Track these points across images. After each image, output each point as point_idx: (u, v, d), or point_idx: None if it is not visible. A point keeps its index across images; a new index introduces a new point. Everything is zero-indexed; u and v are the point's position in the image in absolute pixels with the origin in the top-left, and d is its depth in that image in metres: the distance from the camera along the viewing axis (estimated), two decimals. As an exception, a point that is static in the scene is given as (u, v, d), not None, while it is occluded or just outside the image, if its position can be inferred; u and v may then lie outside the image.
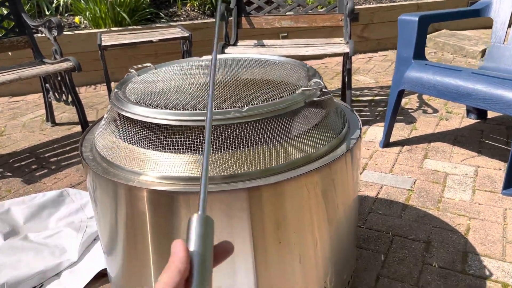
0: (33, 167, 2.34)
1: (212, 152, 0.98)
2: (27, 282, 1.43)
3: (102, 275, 1.48)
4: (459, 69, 2.00)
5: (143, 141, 1.04)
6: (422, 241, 1.57)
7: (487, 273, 1.40)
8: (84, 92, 3.62)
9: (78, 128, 2.83)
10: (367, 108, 2.89)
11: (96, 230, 1.66)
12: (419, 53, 2.18)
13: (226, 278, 1.02)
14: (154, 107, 1.03)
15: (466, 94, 1.90)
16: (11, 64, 2.68)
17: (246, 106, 0.99)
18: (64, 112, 3.18)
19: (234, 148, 0.98)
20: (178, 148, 1.00)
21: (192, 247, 0.40)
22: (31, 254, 1.55)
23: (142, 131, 1.05)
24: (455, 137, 2.38)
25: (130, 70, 1.32)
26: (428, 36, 4.61)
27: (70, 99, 2.56)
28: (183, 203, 0.96)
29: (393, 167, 2.10)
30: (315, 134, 1.06)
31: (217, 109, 1.00)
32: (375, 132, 2.51)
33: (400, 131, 2.49)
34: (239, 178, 0.97)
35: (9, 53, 3.48)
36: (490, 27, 4.88)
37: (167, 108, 1.02)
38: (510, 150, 1.79)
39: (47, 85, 2.73)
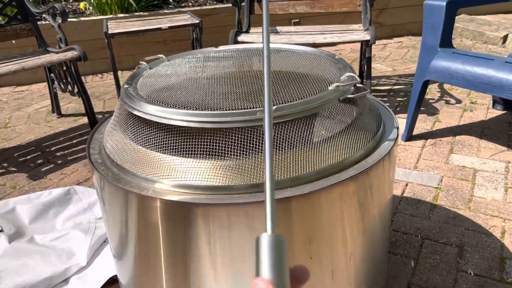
0: (39, 161, 2.24)
1: (235, 158, 0.87)
2: (33, 289, 1.34)
3: (112, 281, 1.39)
4: (491, 58, 1.86)
5: (157, 144, 0.93)
6: (454, 245, 1.46)
7: (529, 282, 1.29)
8: (90, 82, 3.51)
9: (84, 119, 2.73)
10: (385, 99, 2.76)
11: (104, 232, 1.57)
12: (446, 41, 2.04)
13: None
14: (170, 106, 0.91)
15: (500, 85, 1.77)
16: (14, 53, 2.57)
17: (274, 105, 0.88)
18: (70, 102, 3.08)
19: (260, 153, 0.87)
20: (197, 153, 0.89)
21: (267, 275, 0.35)
22: (38, 258, 1.46)
23: (156, 133, 0.94)
24: (481, 130, 2.25)
25: (141, 62, 1.20)
26: (445, 21, 4.42)
27: (75, 89, 2.45)
28: (201, 215, 0.85)
29: (417, 162, 1.98)
30: (350, 136, 0.94)
31: (240, 108, 0.88)
32: (396, 124, 2.38)
33: (422, 123, 2.36)
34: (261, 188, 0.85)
35: (13, 41, 3.37)
36: (510, 12, 4.69)
37: (184, 107, 0.90)
38: (547, 146, 1.67)
39: (52, 75, 2.62)
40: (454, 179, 1.84)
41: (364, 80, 2.40)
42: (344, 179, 0.87)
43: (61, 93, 3.25)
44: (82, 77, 2.48)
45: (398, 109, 2.58)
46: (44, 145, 2.42)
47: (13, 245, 1.51)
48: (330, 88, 0.95)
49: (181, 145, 0.90)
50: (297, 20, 4.00)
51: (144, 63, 1.20)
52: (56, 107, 2.82)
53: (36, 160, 2.26)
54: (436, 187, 1.79)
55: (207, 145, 0.88)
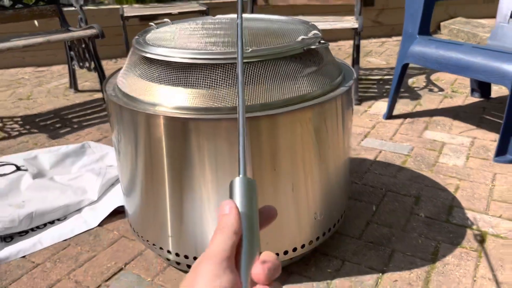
0: (57, 125, 2.52)
1: (220, 87, 1.12)
2: (53, 213, 1.60)
3: (118, 213, 1.64)
4: (460, 43, 2.10)
5: (160, 78, 1.18)
6: (412, 196, 1.69)
7: (469, 223, 1.52)
8: (105, 65, 3.78)
9: (99, 95, 3.00)
10: (375, 86, 2.99)
11: (113, 176, 1.83)
12: (424, 29, 2.28)
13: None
14: (170, 48, 1.17)
15: (466, 66, 2.00)
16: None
17: (250, 48, 1.13)
18: (87, 81, 3.36)
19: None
20: (190, 83, 1.14)
21: (239, 209, 0.39)
22: (57, 192, 1.72)
23: (159, 69, 1.19)
24: (457, 113, 2.48)
25: (150, 24, 1.46)
26: (443, 23, 4.66)
27: (93, 65, 2.72)
28: (194, 128, 1.10)
29: (393, 135, 2.22)
30: (311, 79, 1.19)
31: (224, 50, 1.14)
32: (380, 106, 2.62)
33: (404, 106, 2.60)
34: (241, 110, 1.10)
35: (35, 22, 3.67)
36: (506, 17, 4.89)
37: (181, 49, 1.16)
38: (503, 120, 1.89)
39: (71, 52, 2.90)
40: (424, 149, 2.07)
41: (354, 65, 2.64)
42: (302, 107, 1.12)
43: (79, 71, 3.54)
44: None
45: (384, 94, 2.82)
46: (62, 114, 2.70)
47: (36, 181, 1.78)
48: (297, 39, 1.20)
49: (178, 77, 1.16)
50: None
51: (153, 24, 1.46)
52: (73, 83, 3.10)
53: (55, 125, 2.53)
54: (406, 155, 2.02)
55: (197, 77, 1.13)
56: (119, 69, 1.46)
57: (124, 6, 3.91)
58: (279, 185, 1.17)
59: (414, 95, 2.77)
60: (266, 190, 1.16)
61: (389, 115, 2.45)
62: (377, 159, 1.99)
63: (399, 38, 4.52)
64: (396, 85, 2.37)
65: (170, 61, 1.16)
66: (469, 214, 1.57)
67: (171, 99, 1.14)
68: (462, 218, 1.55)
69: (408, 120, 2.40)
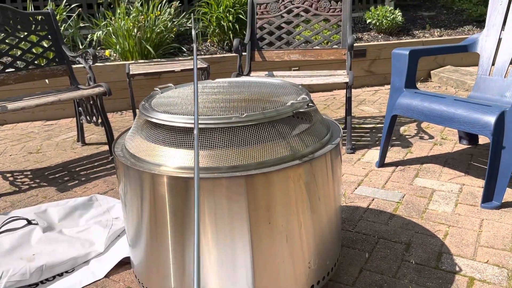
0: (66, 178, 2.64)
1: (218, 148, 1.25)
2: (61, 266, 1.69)
3: (124, 264, 1.73)
4: (443, 96, 2.25)
5: (164, 140, 1.31)
6: (403, 243, 1.78)
7: (457, 269, 1.60)
8: (111, 118, 3.97)
9: (105, 147, 3.15)
10: (368, 134, 3.13)
11: (120, 227, 1.92)
12: (409, 83, 2.44)
13: (226, 253, 1.26)
14: (173, 114, 1.31)
15: (449, 118, 2.14)
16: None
17: (245, 113, 1.26)
18: (93, 134, 3.51)
19: (236, 146, 1.25)
20: (191, 145, 1.27)
21: None
22: (65, 244, 1.81)
23: (164, 132, 1.33)
24: (446, 160, 2.60)
25: (155, 88, 1.61)
26: (433, 71, 4.88)
27: (100, 120, 2.88)
28: (194, 186, 1.22)
29: (385, 183, 2.33)
30: (302, 138, 1.32)
31: (221, 115, 1.27)
32: (373, 154, 2.74)
33: (396, 154, 2.72)
34: (239, 168, 1.23)
35: (46, 81, 3.88)
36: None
37: (183, 115, 1.30)
38: (487, 168, 2.01)
39: (80, 108, 3.07)
40: (414, 196, 2.17)
41: (347, 117, 2.79)
42: (293, 165, 1.24)
43: (86, 124, 3.70)
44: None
45: (377, 142, 2.95)
46: (70, 167, 2.83)
47: (46, 235, 1.87)
48: (287, 104, 1.34)
49: (180, 140, 1.29)
50: (297, 68, 4.48)
51: (157, 89, 1.61)
52: (81, 137, 3.26)
53: (63, 178, 2.65)
54: (398, 202, 2.12)
55: (199, 140, 1.26)
56: (127, 130, 1.60)
57: (129, 62, 4.14)
58: (274, 237, 1.27)
59: (405, 143, 2.90)
60: (262, 242, 1.26)
61: (381, 163, 2.56)
62: (370, 207, 2.08)
63: (392, 86, 4.73)
64: (386, 135, 2.50)
65: (173, 126, 1.29)
66: (458, 260, 1.65)
67: (174, 160, 1.26)
68: (451, 264, 1.63)
69: (399, 167, 2.52)
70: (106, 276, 1.67)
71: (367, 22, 5.30)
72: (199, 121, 1.25)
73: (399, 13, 5.19)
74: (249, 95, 1.48)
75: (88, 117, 3.01)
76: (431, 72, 4.87)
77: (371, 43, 4.82)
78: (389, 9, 5.20)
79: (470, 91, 4.32)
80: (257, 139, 1.26)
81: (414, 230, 1.86)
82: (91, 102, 2.88)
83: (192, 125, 1.26)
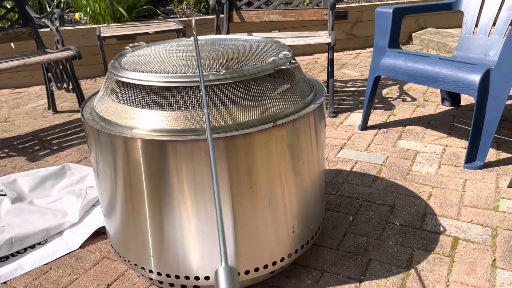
0: (36, 148, 2.51)
1: (196, 109, 1.16)
2: (33, 238, 1.60)
3: (100, 234, 1.65)
4: (427, 56, 2.19)
5: (137, 101, 1.22)
6: (387, 205, 1.75)
7: (442, 229, 1.58)
8: (84, 85, 3.80)
9: (78, 115, 3.01)
10: (350, 98, 3.07)
11: (94, 197, 1.84)
12: (393, 42, 2.37)
13: (207, 220, 1.19)
14: (146, 72, 1.21)
15: (434, 77, 2.09)
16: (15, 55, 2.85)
17: (223, 70, 1.17)
18: (65, 101, 3.35)
19: (214, 106, 1.16)
20: (165, 106, 1.18)
21: None
22: (36, 215, 1.72)
23: (135, 93, 1.23)
24: (428, 121, 2.56)
25: (125, 47, 1.50)
26: (414, 34, 4.81)
27: (71, 86, 2.73)
28: (171, 150, 1.13)
29: (368, 146, 2.29)
30: (284, 97, 1.24)
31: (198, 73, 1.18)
32: (356, 117, 2.69)
33: (378, 117, 2.67)
34: (218, 130, 1.14)
35: (12, 45, 3.66)
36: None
37: (156, 73, 1.19)
38: (470, 129, 1.98)
39: (49, 74, 2.91)
40: (398, 158, 2.14)
41: (329, 79, 2.71)
42: (275, 125, 1.16)
43: (57, 92, 3.53)
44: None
45: (359, 106, 2.90)
46: (40, 135, 2.69)
47: (16, 206, 1.77)
48: (268, 61, 1.25)
49: (153, 101, 1.19)
50: (277, 30, 4.34)
51: (128, 47, 1.50)
52: (52, 105, 3.10)
53: (34, 147, 2.52)
54: (381, 164, 2.09)
55: (173, 100, 1.17)
56: (96, 93, 1.49)
57: (101, 26, 3.93)
58: (256, 202, 1.21)
59: (388, 106, 2.86)
60: (244, 207, 1.20)
61: (364, 126, 2.52)
62: (353, 170, 2.04)
63: (372, 49, 4.66)
64: (369, 97, 2.44)
65: (146, 85, 1.19)
66: (442, 220, 1.63)
67: (148, 122, 1.17)
68: (435, 224, 1.61)
69: (382, 130, 2.48)
70: (81, 247, 1.59)
71: (348, -17, 5.15)
72: (171, 80, 1.16)
73: (381, -26, 5.05)
74: (227, 53, 1.38)
75: (58, 83, 2.85)
76: (413, 34, 4.80)
77: (352, 4, 4.70)
78: (371, -31, 5.05)
79: (451, 53, 4.28)
80: (237, 98, 1.18)
81: (398, 192, 1.84)
82: (61, 67, 2.72)
83: (166, 84, 1.16)
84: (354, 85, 3.35)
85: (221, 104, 1.16)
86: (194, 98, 1.16)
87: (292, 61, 1.30)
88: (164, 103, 1.18)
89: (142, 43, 1.54)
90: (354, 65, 3.96)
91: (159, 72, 1.20)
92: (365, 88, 3.25)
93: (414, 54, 2.24)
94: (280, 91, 1.25)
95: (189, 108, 1.16)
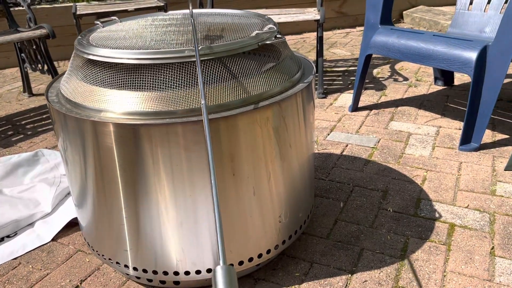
0: (9, 133, 2.37)
1: (172, 89, 1.04)
2: (1, 230, 1.49)
3: (74, 224, 1.55)
4: (421, 32, 2.08)
5: (105, 81, 1.09)
6: (380, 191, 1.66)
7: (437, 215, 1.50)
8: (62, 66, 3.63)
9: (55, 98, 2.86)
10: (340, 78, 2.97)
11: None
12: (385, 19, 2.25)
13: (187, 210, 1.09)
14: (115, 49, 1.08)
15: (428, 55, 1.99)
16: (-14, 34, 2.68)
17: (201, 45, 1.05)
18: (42, 84, 3.19)
19: (191, 85, 1.05)
20: (138, 86, 1.06)
21: None
22: (6, 206, 1.60)
23: (104, 72, 1.10)
24: (421, 102, 2.47)
25: (95, 22, 1.36)
26: (405, 12, 4.69)
27: (45, 67, 2.58)
28: (145, 135, 1.02)
29: (359, 128, 2.19)
30: (269, 76, 1.13)
31: (173, 48, 1.06)
32: (346, 98, 2.59)
33: (369, 97, 2.57)
34: (196, 112, 1.03)
35: (-15, 25, 3.46)
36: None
37: (127, 49, 1.07)
38: (466, 110, 1.89)
39: (22, 55, 2.74)
40: (390, 140, 2.05)
41: (318, 58, 2.60)
42: (259, 107, 1.05)
43: (33, 73, 3.37)
44: (55, 62, 2.61)
45: (349, 86, 2.79)
46: (15, 120, 2.55)
47: (-17, 196, 1.65)
48: (251, 35, 1.13)
49: (124, 80, 1.07)
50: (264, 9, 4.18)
51: (98, 22, 1.36)
52: (27, 87, 2.94)
53: (7, 132, 2.38)
54: (373, 147, 1.99)
55: (146, 79, 1.05)
56: (64, 73, 1.36)
57: (78, 4, 3.74)
58: (240, 190, 1.11)
59: (379, 86, 2.76)
60: (227, 196, 1.10)
61: (355, 107, 2.42)
62: (344, 153, 1.95)
63: (363, 28, 4.53)
64: (360, 76, 2.34)
65: (115, 63, 1.07)
66: (437, 206, 1.55)
67: (119, 104, 1.05)
68: (430, 210, 1.53)
69: (373, 111, 2.38)
70: (54, 239, 1.48)
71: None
72: (144, 56, 1.04)
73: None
74: (206, 27, 1.26)
75: (32, 64, 2.69)
76: (403, 12, 4.68)
77: (342, -19, 4.55)
78: None
79: (443, 31, 4.18)
80: (216, 77, 1.06)
81: (390, 176, 1.75)
82: (34, 47, 2.56)
83: (138, 62, 1.04)
84: (344, 65, 3.24)
85: (199, 83, 1.05)
86: (169, 77, 1.05)
87: (277, 35, 1.18)
88: (137, 83, 1.06)
89: (114, 18, 1.41)
90: (344, 44, 3.84)
91: (130, 48, 1.07)
92: (356, 68, 3.14)
93: (408, 30, 2.13)
94: (265, 69, 1.14)
95: (164, 88, 1.04)
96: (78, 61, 1.18)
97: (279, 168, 1.16)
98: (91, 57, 1.10)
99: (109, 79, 1.09)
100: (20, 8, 3.54)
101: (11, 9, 3.45)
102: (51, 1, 4.01)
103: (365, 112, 2.37)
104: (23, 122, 2.50)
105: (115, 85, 1.08)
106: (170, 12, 1.49)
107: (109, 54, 1.07)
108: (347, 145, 2.02)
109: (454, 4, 4.96)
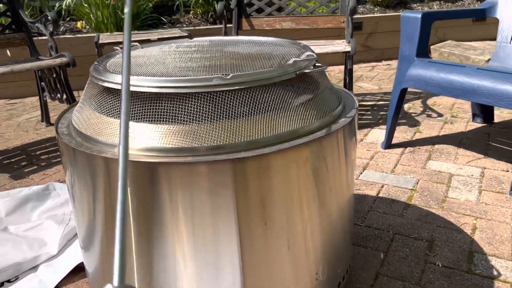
0: (23, 164, 2.26)
1: (196, 122, 0.90)
2: (1, 274, 1.34)
3: (81, 269, 1.39)
4: (463, 66, 1.92)
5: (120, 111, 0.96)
6: (424, 240, 1.46)
7: (495, 273, 1.29)
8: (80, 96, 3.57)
9: (72, 128, 2.77)
10: (369, 112, 2.81)
11: (79, 223, 1.58)
12: (422, 51, 2.11)
13: (207, 265, 0.93)
14: (133, 75, 0.95)
15: (472, 90, 1.82)
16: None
17: (231, 73, 0.92)
18: (61, 113, 3.12)
19: (219, 118, 0.90)
20: (158, 118, 0.92)
21: None
22: (9, 246, 1.46)
23: (120, 102, 0.97)
24: (460, 140, 2.29)
25: (114, 48, 1.25)
26: (432, 46, 4.55)
27: (64, 96, 2.50)
28: (164, 174, 0.87)
29: (395, 167, 2.01)
30: (307, 109, 0.98)
31: (199, 76, 0.92)
32: (377, 134, 2.42)
33: (403, 134, 2.40)
34: (224, 150, 0.88)
35: (8, 52, 3.46)
36: (495, 39, 4.84)
37: (147, 76, 0.94)
38: (519, 148, 1.70)
39: (42, 83, 2.68)
40: (430, 182, 1.86)
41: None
42: (297, 145, 0.90)
43: (53, 103, 3.31)
44: (75, 92, 2.53)
45: (380, 121, 2.63)
46: (29, 150, 2.45)
47: (-14, 233, 1.52)
48: (288, 62, 0.99)
49: (142, 111, 0.94)
50: (288, 42, 4.11)
51: (118, 48, 1.25)
52: (45, 117, 2.87)
53: (20, 163, 2.28)
54: (412, 189, 1.81)
55: (166, 110, 0.91)
56: (77, 102, 1.24)
57: (101, 34, 3.72)
58: (272, 243, 0.94)
59: (412, 122, 2.59)
60: (255, 251, 0.93)
61: (388, 144, 2.24)
62: (380, 195, 1.77)
63: (389, 62, 4.40)
64: (394, 111, 2.18)
65: (133, 91, 0.94)
66: (494, 261, 1.34)
67: (135, 138, 0.91)
68: (486, 267, 1.32)
69: (408, 149, 2.20)
70: (58, 286, 1.33)
71: (363, -6, 4.94)
72: (165, 84, 0.90)
73: (397, -16, 4.84)
74: (236, 53, 1.13)
75: (51, 93, 2.62)
76: (431, 47, 4.55)
77: (367, 15, 4.47)
78: (386, -21, 4.84)
79: (474, 66, 4.02)
80: (248, 109, 0.92)
81: (435, 223, 1.56)
82: (54, 75, 2.49)
83: (159, 90, 0.91)
84: (373, 99, 3.09)
85: (228, 116, 0.90)
86: (194, 108, 0.91)
87: (317, 64, 1.04)
88: (156, 115, 0.92)
89: (136, 44, 1.30)
90: (371, 78, 3.70)
91: (151, 75, 0.94)
92: (385, 102, 2.99)
93: (447, 63, 1.97)
94: (303, 101, 0.99)
95: (187, 121, 0.90)
96: (92, 89, 1.06)
97: (317, 217, 0.99)
98: (106, 84, 0.98)
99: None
100: (44, 37, 3.53)
101: (35, 38, 3.44)
102: (75, 31, 4.01)
103: (399, 150, 2.20)
104: (38, 153, 2.40)
105: (131, 116, 0.95)
106: (195, 39, 1.38)
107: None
108: (382, 186, 1.84)
109: (483, 39, 4.82)
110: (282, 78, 0.95)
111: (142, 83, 0.92)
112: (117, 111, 0.97)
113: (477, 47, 4.36)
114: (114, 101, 0.99)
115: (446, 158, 2.09)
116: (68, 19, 4.18)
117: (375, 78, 3.69)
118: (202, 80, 0.90)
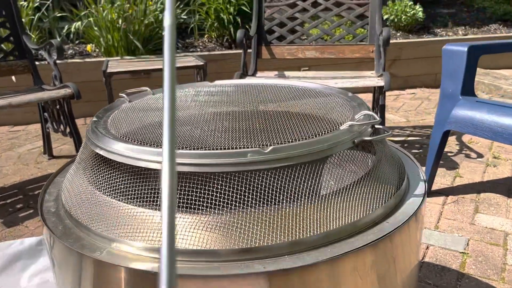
0: (18, 206, 2.04)
1: (217, 213, 0.66)
2: None
3: None
4: (520, 108, 1.67)
5: (124, 191, 0.73)
6: (490, 328, 1.20)
7: None
8: (86, 125, 3.37)
9: (76, 162, 2.55)
10: (399, 150, 2.55)
11: (74, 292, 1.33)
12: (468, 89, 1.87)
13: None
14: (139, 144, 0.72)
15: (532, 137, 1.57)
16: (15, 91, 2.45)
17: (270, 145, 0.68)
18: (65, 144, 2.92)
19: (250, 207, 0.67)
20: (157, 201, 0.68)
21: None
22: (-11, 322, 1.22)
23: (123, 177, 0.74)
24: (509, 188, 2.02)
25: (120, 94, 1.03)
26: (459, 74, 4.31)
27: (68, 130, 2.29)
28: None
29: (438, 222, 1.75)
30: (367, 190, 0.74)
31: (227, 148, 0.69)
32: (412, 178, 2.16)
33: (441, 178, 2.14)
34: (256, 254, 0.64)
35: (13, 78, 3.28)
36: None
37: (157, 146, 0.71)
38: None
39: (45, 114, 2.48)
40: (483, 243, 1.60)
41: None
42: (359, 247, 0.66)
43: (56, 134, 3.11)
44: (82, 118, 2.34)
45: (414, 161, 2.37)
46: (28, 188, 2.23)
47: (-37, 306, 1.28)
48: (342, 127, 0.76)
49: (151, 194, 0.70)
50: (307, 68, 3.90)
51: (124, 95, 1.03)
52: (48, 148, 2.66)
53: (16, 205, 2.06)
54: (463, 252, 1.54)
55: (186, 194, 0.68)
56: (73, 161, 1.01)
57: (110, 58, 3.54)
58: None
59: (450, 163, 2.33)
60: None
61: (428, 192, 1.98)
62: (426, 259, 1.51)
63: (413, 90, 4.16)
64: (436, 156, 1.93)
65: (139, 166, 0.71)
66: None
67: (138, 233, 0.68)
68: None
69: (451, 198, 1.94)
70: None
71: (384, 19, 4.73)
72: (178, 159, 0.67)
73: (420, 9, 4.63)
74: (271, 109, 0.90)
75: (54, 124, 2.42)
76: (476, 70, 4.30)
77: (390, 41, 4.25)
78: (409, 4, 4.64)
79: (506, 97, 3.76)
80: (291, 193, 0.68)
81: (499, 303, 1.29)
82: (58, 106, 2.29)
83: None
84: (402, 134, 2.84)
85: (263, 205, 0.67)
86: (216, 192, 0.67)
87: (377, 127, 0.80)
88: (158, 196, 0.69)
89: (145, 88, 1.08)
90: (397, 109, 3.46)
91: (160, 144, 0.71)
92: (415, 138, 2.73)
93: (501, 104, 1.73)
94: (360, 179, 0.75)
95: (202, 209, 0.67)
96: (88, 153, 0.83)
97: (380, 335, 0.74)
98: (102, 152, 0.75)
99: (126, 189, 0.72)
100: (48, 63, 3.35)
101: (39, 62, 3.27)
102: (84, 55, 3.85)
103: (440, 199, 1.94)
104: (36, 192, 2.18)
105: (134, 200, 0.71)
106: (217, 82, 1.15)
107: (127, 152, 0.71)
108: (427, 247, 1.58)
109: (509, 67, 4.57)
110: (336, 150, 0.72)
111: (147, 157, 0.69)
112: (117, 190, 0.74)
113: (508, 76, 4.10)
114: (111, 175, 0.75)
115: (496, 210, 1.82)
116: (77, 42, 4.02)
117: (401, 109, 3.45)
118: (234, 155, 0.66)
